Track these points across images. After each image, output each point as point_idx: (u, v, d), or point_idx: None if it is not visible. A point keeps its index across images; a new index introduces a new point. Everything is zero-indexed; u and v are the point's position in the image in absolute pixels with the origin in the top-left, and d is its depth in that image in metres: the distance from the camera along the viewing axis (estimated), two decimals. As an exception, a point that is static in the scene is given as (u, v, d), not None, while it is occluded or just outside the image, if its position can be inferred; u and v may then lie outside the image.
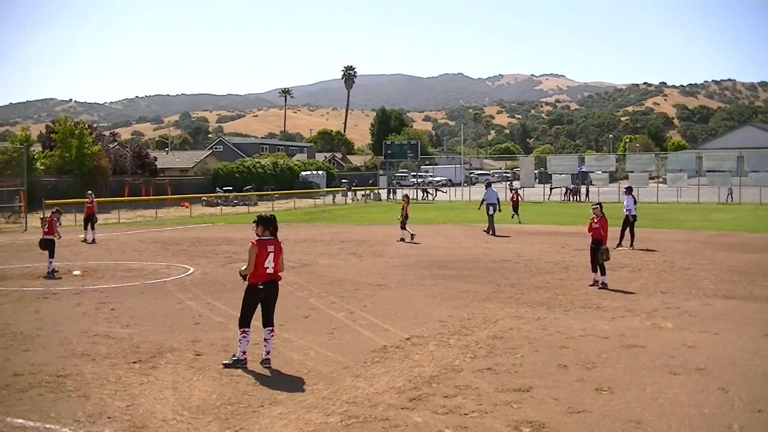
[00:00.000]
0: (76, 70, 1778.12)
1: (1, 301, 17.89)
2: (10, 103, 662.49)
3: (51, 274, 22.44)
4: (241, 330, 11.80)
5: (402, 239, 32.98)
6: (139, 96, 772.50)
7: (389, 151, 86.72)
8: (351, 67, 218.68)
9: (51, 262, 22.81)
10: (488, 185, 38.74)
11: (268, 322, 11.96)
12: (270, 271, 11.85)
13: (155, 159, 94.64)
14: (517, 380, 10.64)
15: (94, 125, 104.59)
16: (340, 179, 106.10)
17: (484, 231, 36.13)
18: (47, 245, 23.08)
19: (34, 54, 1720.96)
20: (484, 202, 36.98)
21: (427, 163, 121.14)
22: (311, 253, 28.11)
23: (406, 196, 36.31)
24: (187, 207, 63.46)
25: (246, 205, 69.78)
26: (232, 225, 13.37)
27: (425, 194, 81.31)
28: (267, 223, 12.07)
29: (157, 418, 9.18)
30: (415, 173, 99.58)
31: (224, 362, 11.81)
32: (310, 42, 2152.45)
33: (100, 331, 14.23)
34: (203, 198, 70.78)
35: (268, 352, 11.80)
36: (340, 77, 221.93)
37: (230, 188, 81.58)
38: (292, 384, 10.59)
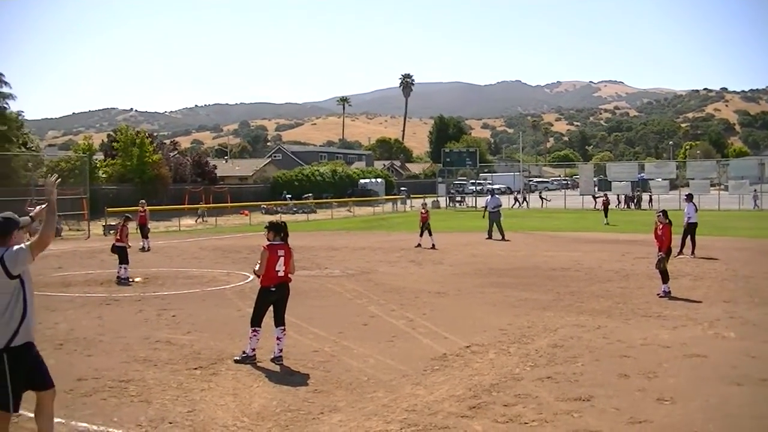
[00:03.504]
0: (137, 80, 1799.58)
1: (65, 307, 18.17)
2: (73, 113, 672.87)
3: (124, 281, 22.77)
4: (253, 329, 12.41)
5: (419, 245, 33.44)
6: (199, 105, 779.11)
7: (448, 159, 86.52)
8: (408, 75, 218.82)
9: (125, 269, 23.14)
10: (491, 193, 40.40)
11: (279, 321, 12.50)
12: (281, 274, 12.36)
13: (215, 167, 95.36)
14: (578, 389, 10.54)
15: (155, 134, 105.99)
16: (398, 187, 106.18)
17: (487, 237, 37.31)
18: (119, 252, 23.42)
19: (97, 65, 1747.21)
20: (486, 209, 38.34)
21: (485, 170, 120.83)
22: (370, 261, 28.16)
23: (425, 204, 36.40)
24: (246, 215, 63.90)
25: (305, 212, 70.13)
26: (291, 233, 13.50)
27: (516, 201, 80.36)
28: (278, 229, 12.66)
29: (217, 424, 9.24)
30: (473, 181, 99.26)
31: (235, 358, 12.43)
32: (368, 51, 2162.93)
33: (162, 338, 14.38)
34: (262, 206, 71.22)
35: (280, 350, 12.42)
36: (398, 85, 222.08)
37: (289, 196, 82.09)
38: (352, 391, 10.60)
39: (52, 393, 7.89)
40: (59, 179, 7.91)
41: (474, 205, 78.35)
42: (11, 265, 7.30)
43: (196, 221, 60.91)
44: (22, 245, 7.42)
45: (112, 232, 23.53)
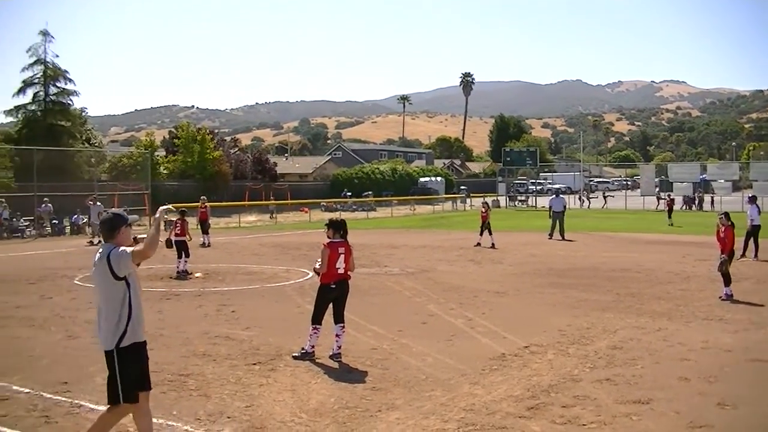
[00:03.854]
0: (198, 78, 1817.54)
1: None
2: (135, 110, 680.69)
3: (183, 274, 23.07)
4: (313, 326, 12.46)
5: (478, 244, 33.44)
6: (259, 102, 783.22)
7: (508, 158, 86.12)
8: (469, 74, 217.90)
9: (185, 262, 23.46)
10: (556, 193, 40.04)
11: (339, 318, 12.58)
12: (341, 271, 12.43)
13: (275, 164, 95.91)
14: (637, 392, 10.43)
15: (216, 131, 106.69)
16: (458, 186, 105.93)
17: (548, 236, 37.26)
18: (178, 246, 23.73)
19: (159, 62, 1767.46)
20: (552, 209, 38.06)
21: (545, 170, 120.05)
22: (429, 259, 28.14)
23: (486, 203, 36.22)
24: (306, 212, 64.22)
25: (364, 210, 70.25)
26: (351, 231, 13.52)
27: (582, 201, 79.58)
28: (338, 227, 12.69)
29: (275, 420, 9.30)
30: (533, 180, 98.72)
31: (294, 354, 12.50)
32: (429, 49, 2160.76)
33: (221, 333, 14.51)
34: (322, 203, 71.48)
35: (339, 347, 12.46)
36: (458, 84, 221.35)
37: (349, 194, 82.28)
38: (410, 390, 10.60)
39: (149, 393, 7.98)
40: (171, 211, 7.95)
41: (534, 204, 77.92)
42: (116, 266, 7.43)
43: (270, 217, 61.42)
44: (126, 249, 7.48)
45: (169, 227, 23.76)
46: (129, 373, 7.54)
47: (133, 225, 7.92)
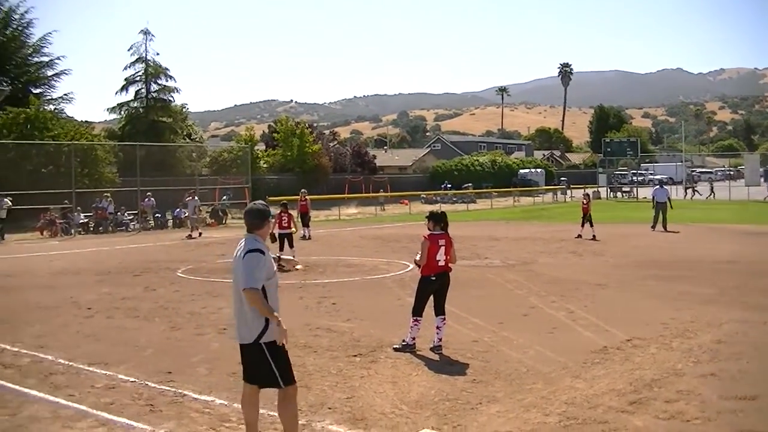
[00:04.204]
0: (296, 72, 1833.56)
1: (229, 293, 18.57)
2: (235, 105, 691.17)
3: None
4: (414, 318, 12.44)
5: (579, 236, 33.18)
6: (358, 96, 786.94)
7: (608, 149, 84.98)
8: (567, 64, 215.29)
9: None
10: (660, 184, 39.28)
11: (440, 310, 12.56)
12: (441, 263, 12.43)
13: (374, 157, 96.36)
14: (742, 387, 10.17)
15: (314, 125, 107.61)
16: (558, 177, 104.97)
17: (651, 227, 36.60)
18: (282, 238, 24.17)
19: (257, 58, 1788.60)
20: (655, 200, 37.43)
21: (646, 161, 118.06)
22: (530, 252, 27.98)
23: (587, 194, 35.69)
24: (406, 204, 64.42)
25: (464, 202, 70.15)
26: (451, 223, 13.50)
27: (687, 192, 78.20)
28: (438, 219, 12.68)
29: (376, 411, 9.35)
30: (634, 171, 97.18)
31: (394, 346, 12.54)
32: (526, 40, 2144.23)
33: (322, 324, 14.65)
34: (422, 195, 71.57)
35: (440, 339, 12.45)
36: (557, 74, 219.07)
37: (449, 186, 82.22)
38: (511, 383, 10.56)
39: (290, 390, 7.88)
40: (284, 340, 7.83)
41: (636, 195, 76.75)
42: (246, 271, 7.49)
43: (376, 210, 61.89)
44: (259, 263, 7.48)
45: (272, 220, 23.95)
46: (280, 357, 7.62)
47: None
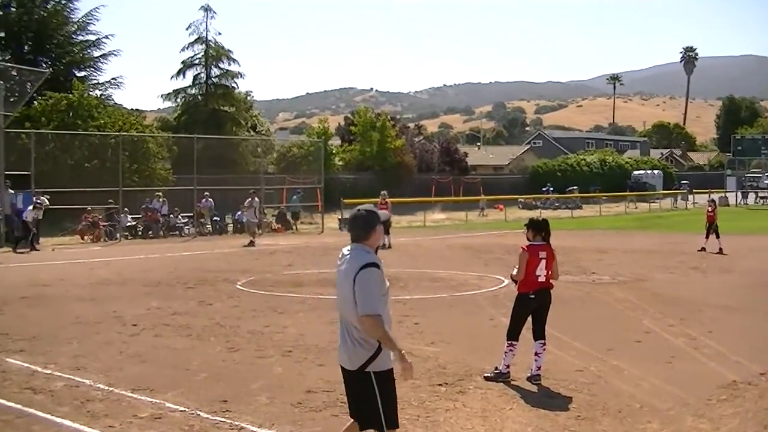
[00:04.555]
0: (377, 58, 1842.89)
1: (295, 309, 18.79)
2: (307, 93, 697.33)
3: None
4: (509, 342, 12.32)
5: (703, 248, 32.68)
6: (447, 84, 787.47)
7: (739, 147, 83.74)
8: (691, 48, 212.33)
9: None
10: None
11: (539, 334, 12.42)
12: (542, 279, 12.29)
13: (465, 155, 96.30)
14: None
15: (397, 116, 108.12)
16: (679, 180, 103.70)
17: None
18: None
19: (333, 41, 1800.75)
20: None
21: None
22: (645, 267, 27.63)
23: (712, 200, 35.04)
24: (501, 209, 64.22)
25: (568, 208, 69.62)
26: (553, 232, 13.21)
27: None
28: (539, 228, 12.52)
29: (464, 451, 9.24)
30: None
31: (485, 375, 12.39)
32: (643, 21, 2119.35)
33: (403, 348, 14.49)
34: (519, 200, 71.25)
35: (538, 368, 12.25)
36: (679, 60, 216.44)
37: (551, 189, 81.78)
38: (621, 421, 10.33)
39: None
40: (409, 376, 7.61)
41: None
42: (360, 293, 7.25)
43: (480, 214, 61.86)
44: (376, 277, 7.31)
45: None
46: (389, 393, 7.48)
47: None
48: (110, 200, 43.77)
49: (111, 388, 11.88)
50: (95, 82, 65.61)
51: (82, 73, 64.83)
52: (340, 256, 7.68)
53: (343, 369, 7.60)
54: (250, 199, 40.68)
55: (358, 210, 7.71)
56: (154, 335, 16.07)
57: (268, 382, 12.17)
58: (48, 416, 10.52)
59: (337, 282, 7.62)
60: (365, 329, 7.21)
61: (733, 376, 12.54)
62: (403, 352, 7.28)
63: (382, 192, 38.72)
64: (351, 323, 7.36)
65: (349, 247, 7.60)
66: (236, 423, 10.16)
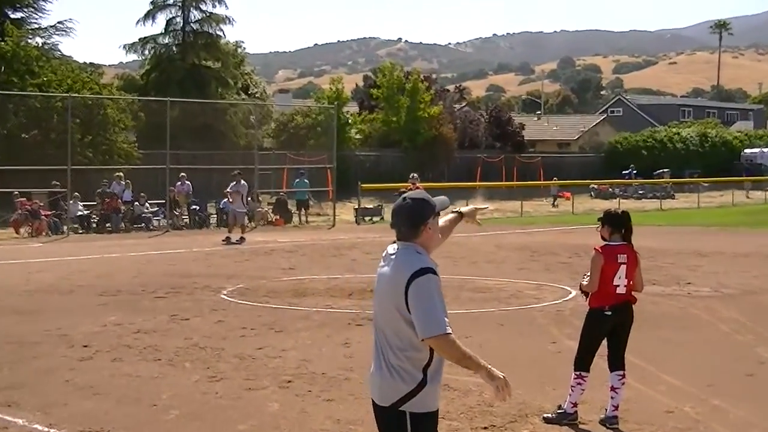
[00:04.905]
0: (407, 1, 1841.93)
1: (297, 327, 18.75)
2: (315, 45, 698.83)
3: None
4: (577, 373, 12.16)
5: None
6: (498, 34, 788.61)
7: None
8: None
9: None
10: None
11: (616, 363, 12.21)
12: (621, 290, 12.02)
13: (521, 127, 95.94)
14: None
15: (433, 76, 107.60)
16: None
17: None
18: None
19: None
20: None
21: None
22: (759, 275, 27.57)
23: None
24: (568, 198, 64.11)
25: (657, 198, 69.37)
26: (636, 229, 12.96)
27: None
28: (617, 223, 12.30)
29: None
30: None
31: (545, 416, 12.26)
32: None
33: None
34: (592, 186, 71.12)
35: (615, 407, 12.04)
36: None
37: (635, 172, 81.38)
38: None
39: None
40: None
41: None
42: (414, 308, 6.82)
43: (553, 205, 62.00)
44: (437, 284, 7.14)
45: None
46: None
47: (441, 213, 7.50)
48: (55, 182, 43.62)
49: (51, 430, 11.85)
50: (36, 26, 64.99)
51: (18, 15, 64.20)
52: (383, 255, 7.21)
53: (374, 403, 7.24)
54: (234, 182, 39.98)
55: (404, 198, 7.20)
56: (111, 360, 16.00)
57: (261, 422, 12.13)
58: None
59: (377, 288, 7.23)
60: (440, 352, 6.97)
61: None
62: (489, 367, 7.00)
63: (413, 175, 38.73)
64: (389, 344, 7.07)
65: (395, 246, 7.14)
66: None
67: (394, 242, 7.12)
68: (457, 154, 78.82)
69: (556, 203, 64.33)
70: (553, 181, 69.27)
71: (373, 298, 7.28)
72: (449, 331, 6.75)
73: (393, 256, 7.04)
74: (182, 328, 19.02)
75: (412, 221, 7.04)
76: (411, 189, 36.07)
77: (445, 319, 6.78)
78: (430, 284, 6.80)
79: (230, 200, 40.15)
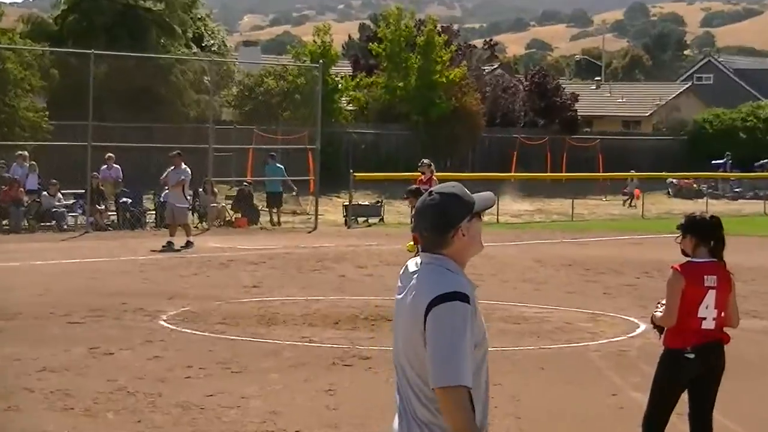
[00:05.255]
0: None
1: (263, 368, 18.71)
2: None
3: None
4: None
5: None
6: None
7: None
8: None
9: None
10: None
11: (702, 424, 11.91)
12: (709, 325, 11.67)
13: (573, 98, 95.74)
14: None
15: (455, 26, 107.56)
16: None
17: None
18: None
19: None
20: None
21: None
22: None
23: None
24: (637, 197, 64.15)
25: (759, 197, 69.41)
26: (730, 240, 12.74)
27: None
28: (704, 233, 11.94)
29: None
30: None
31: None
32: None
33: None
34: (670, 180, 71.17)
35: None
36: None
37: (730, 161, 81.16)
38: None
39: None
40: None
41: None
42: (433, 337, 6.85)
43: (626, 203, 62.26)
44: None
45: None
46: None
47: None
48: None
49: None
50: None
51: None
52: (401, 273, 6.73)
53: None
54: (173, 167, 39.61)
55: (430, 194, 7.03)
56: (4, 409, 15.96)
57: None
58: None
59: (396, 319, 6.83)
60: (442, 406, 6.31)
61: None
62: None
63: (423, 161, 38.59)
64: (414, 393, 6.93)
65: (417, 260, 6.69)
66: None
67: (418, 257, 6.70)
68: (486, 133, 78.59)
69: (633, 203, 64.15)
70: (624, 173, 69.26)
71: (392, 330, 7.02)
72: (463, 383, 6.14)
73: (414, 275, 6.58)
74: (104, 365, 18.96)
75: (440, 224, 6.52)
76: (423, 180, 36.15)
77: (463, 369, 6.20)
78: (454, 315, 6.21)
79: (168, 190, 39.70)
